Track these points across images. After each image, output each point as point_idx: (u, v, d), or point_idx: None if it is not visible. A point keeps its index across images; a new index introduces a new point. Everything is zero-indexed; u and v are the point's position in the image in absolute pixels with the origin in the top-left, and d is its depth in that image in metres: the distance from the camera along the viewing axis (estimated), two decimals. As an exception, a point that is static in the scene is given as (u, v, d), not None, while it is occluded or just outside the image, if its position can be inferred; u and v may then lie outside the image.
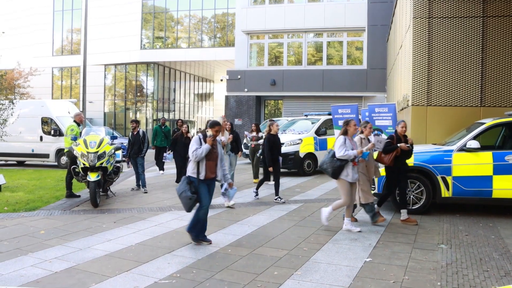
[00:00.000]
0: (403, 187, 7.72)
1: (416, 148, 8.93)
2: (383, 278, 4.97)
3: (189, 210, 6.22)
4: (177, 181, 11.60)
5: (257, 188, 10.09)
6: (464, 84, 11.62)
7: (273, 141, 9.68)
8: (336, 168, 6.96)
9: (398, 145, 7.52)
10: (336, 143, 7.06)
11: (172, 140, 11.63)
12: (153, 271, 5.18)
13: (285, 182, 12.71)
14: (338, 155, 6.93)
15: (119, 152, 10.62)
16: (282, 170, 14.47)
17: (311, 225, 7.58)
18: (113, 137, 10.61)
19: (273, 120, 10.11)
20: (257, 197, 9.99)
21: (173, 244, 6.31)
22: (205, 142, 6.21)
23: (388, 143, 7.59)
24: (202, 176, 6.19)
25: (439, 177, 8.20)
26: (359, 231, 7.01)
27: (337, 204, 7.24)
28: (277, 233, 7.02)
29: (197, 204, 6.27)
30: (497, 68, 11.56)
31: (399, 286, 4.75)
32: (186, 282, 4.83)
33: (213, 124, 6.38)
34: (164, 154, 11.40)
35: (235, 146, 10.71)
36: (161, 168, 15.11)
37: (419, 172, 8.39)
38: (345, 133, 7.10)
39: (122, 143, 14.97)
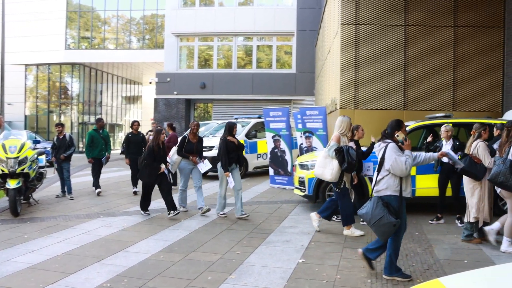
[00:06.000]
0: None
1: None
2: (316, 278, 5.06)
3: (386, 240, 5.03)
4: (144, 207, 8.69)
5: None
6: (388, 89, 12.17)
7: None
8: None
9: None
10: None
11: (149, 150, 8.40)
12: (81, 282, 4.95)
13: (215, 185, 12.64)
14: None
15: (43, 157, 10.08)
16: (212, 173, 14.34)
17: (244, 228, 7.58)
18: (36, 141, 10.08)
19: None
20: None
21: (102, 253, 6.06)
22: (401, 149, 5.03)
23: None
24: (408, 194, 5.03)
25: (367, 178, 8.49)
26: None
27: (509, 226, 6.08)
28: (210, 237, 6.96)
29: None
30: (418, 74, 12.23)
31: (332, 285, 4.86)
32: (117, 292, 4.66)
33: (401, 124, 5.16)
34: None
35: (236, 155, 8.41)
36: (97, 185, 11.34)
37: (348, 173, 8.63)
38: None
39: (45, 148, 14.13)
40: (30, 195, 9.67)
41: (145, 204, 8.68)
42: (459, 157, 6.84)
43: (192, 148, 8.78)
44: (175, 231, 7.32)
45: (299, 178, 9.28)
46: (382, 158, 5.05)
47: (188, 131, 9.13)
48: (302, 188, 9.17)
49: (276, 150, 12.51)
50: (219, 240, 6.79)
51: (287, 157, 12.26)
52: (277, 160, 12.52)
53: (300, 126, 12.59)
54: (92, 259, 5.77)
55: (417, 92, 12.22)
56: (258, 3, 27.75)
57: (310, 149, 11.89)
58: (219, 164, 8.30)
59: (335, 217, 7.90)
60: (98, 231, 7.32)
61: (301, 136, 12.49)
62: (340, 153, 6.72)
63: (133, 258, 5.83)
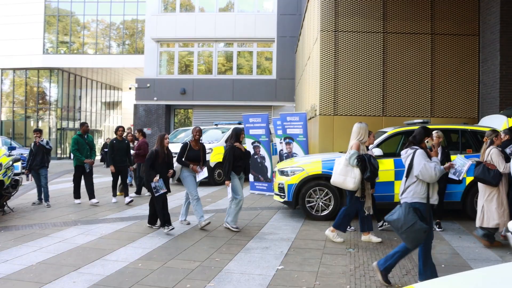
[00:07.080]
0: None
1: (323, 156, 9.26)
2: (295, 285, 5.05)
3: (416, 247, 4.95)
4: (153, 221, 8.10)
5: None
6: (367, 95, 12.29)
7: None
8: None
9: None
10: None
11: (148, 157, 7.76)
12: (56, 291, 4.86)
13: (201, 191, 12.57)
14: None
15: (18, 164, 9.89)
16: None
17: (223, 235, 7.54)
18: (11, 148, 9.90)
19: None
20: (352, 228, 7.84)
21: (79, 261, 5.96)
22: (429, 156, 5.03)
23: None
24: (435, 201, 5.03)
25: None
26: None
27: None
28: (189, 244, 6.90)
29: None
30: (396, 81, 12.38)
31: (310, 292, 4.86)
32: (93, 301, 4.58)
33: (430, 131, 5.22)
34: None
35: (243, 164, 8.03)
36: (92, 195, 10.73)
37: (327, 179, 8.64)
38: None
39: (21, 154, 13.85)
40: (4, 203, 9.48)
41: (165, 217, 7.66)
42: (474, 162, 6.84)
43: (196, 156, 8.06)
44: (154, 239, 7.24)
45: (279, 184, 9.28)
46: (410, 165, 5.04)
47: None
48: (282, 194, 9.17)
49: (256, 157, 12.51)
50: (198, 247, 6.74)
51: (267, 163, 12.27)
52: (257, 167, 12.51)
53: (280, 132, 12.61)
54: (68, 268, 5.67)
55: (395, 98, 12.37)
56: (238, 9, 27.84)
57: (290, 155, 11.91)
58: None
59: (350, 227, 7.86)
60: (75, 239, 7.21)
61: (281, 142, 12.51)
62: (363, 161, 6.61)
63: (111, 266, 5.75)
